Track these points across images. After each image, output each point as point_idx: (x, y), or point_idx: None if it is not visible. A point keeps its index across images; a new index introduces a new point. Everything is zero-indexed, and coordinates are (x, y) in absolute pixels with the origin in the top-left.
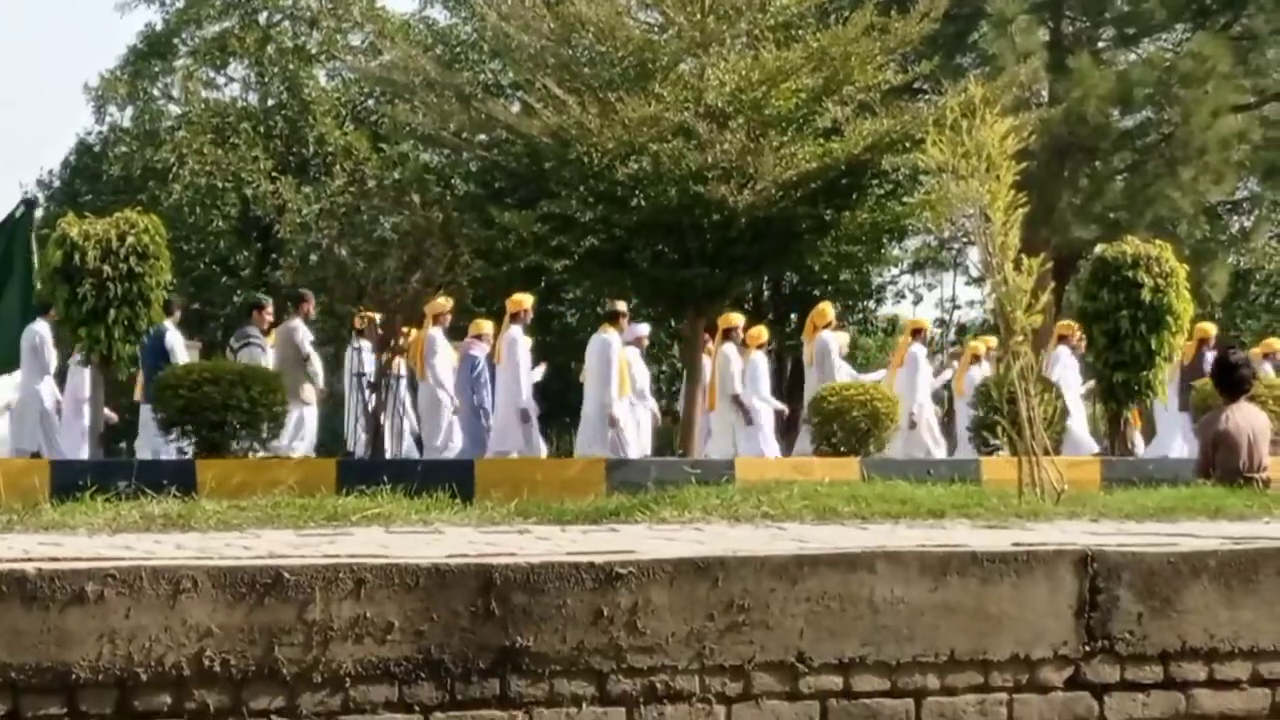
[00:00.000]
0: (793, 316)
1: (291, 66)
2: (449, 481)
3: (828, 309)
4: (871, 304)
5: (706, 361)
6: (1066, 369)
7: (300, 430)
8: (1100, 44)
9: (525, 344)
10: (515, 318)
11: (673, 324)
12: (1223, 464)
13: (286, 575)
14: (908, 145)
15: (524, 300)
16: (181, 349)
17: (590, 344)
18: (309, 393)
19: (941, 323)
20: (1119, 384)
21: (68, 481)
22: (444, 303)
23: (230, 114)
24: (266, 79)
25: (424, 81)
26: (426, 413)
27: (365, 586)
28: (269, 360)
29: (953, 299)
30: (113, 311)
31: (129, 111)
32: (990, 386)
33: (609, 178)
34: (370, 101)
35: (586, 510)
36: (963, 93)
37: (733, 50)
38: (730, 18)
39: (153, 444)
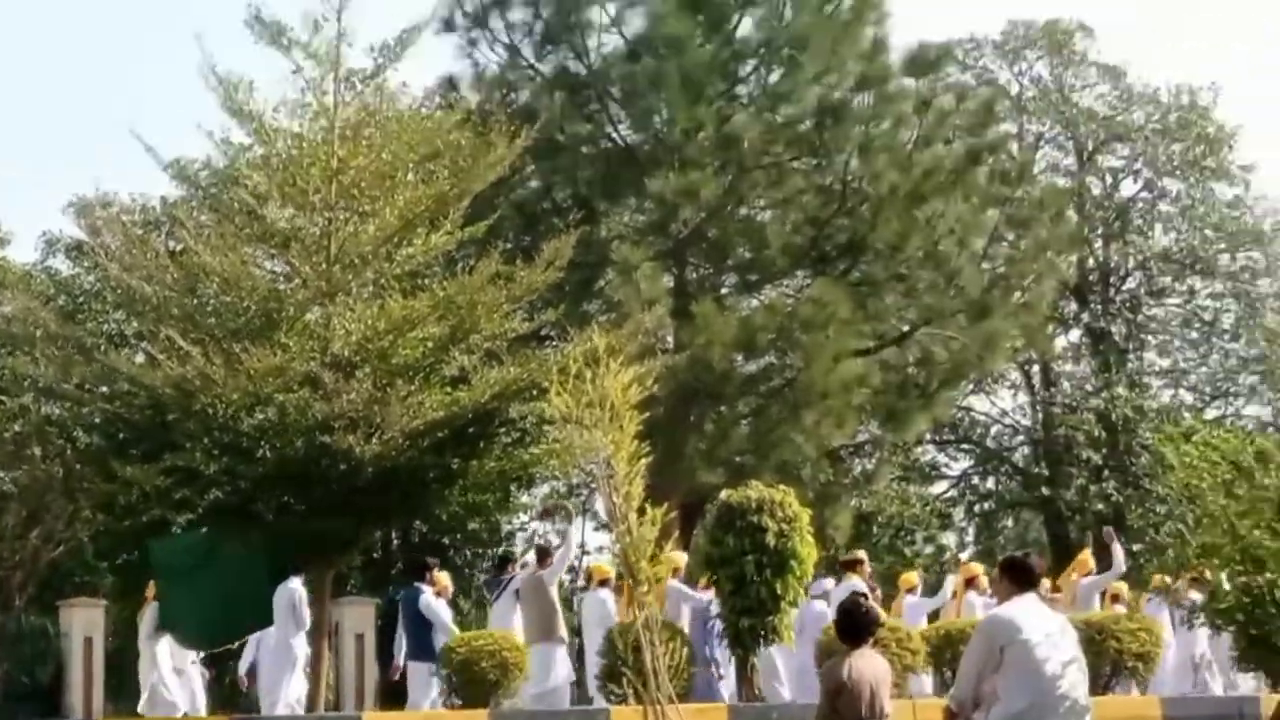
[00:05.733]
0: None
1: None
2: None
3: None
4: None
5: None
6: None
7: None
8: (724, 290)
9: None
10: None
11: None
12: (845, 711)
13: None
14: (535, 393)
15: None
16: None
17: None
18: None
19: (572, 569)
20: (745, 629)
21: None
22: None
23: None
24: None
25: (45, 334)
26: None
27: None
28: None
29: (582, 545)
30: None
31: None
32: (615, 635)
33: (234, 429)
34: None
35: None
36: (588, 341)
37: (359, 299)
38: (356, 267)
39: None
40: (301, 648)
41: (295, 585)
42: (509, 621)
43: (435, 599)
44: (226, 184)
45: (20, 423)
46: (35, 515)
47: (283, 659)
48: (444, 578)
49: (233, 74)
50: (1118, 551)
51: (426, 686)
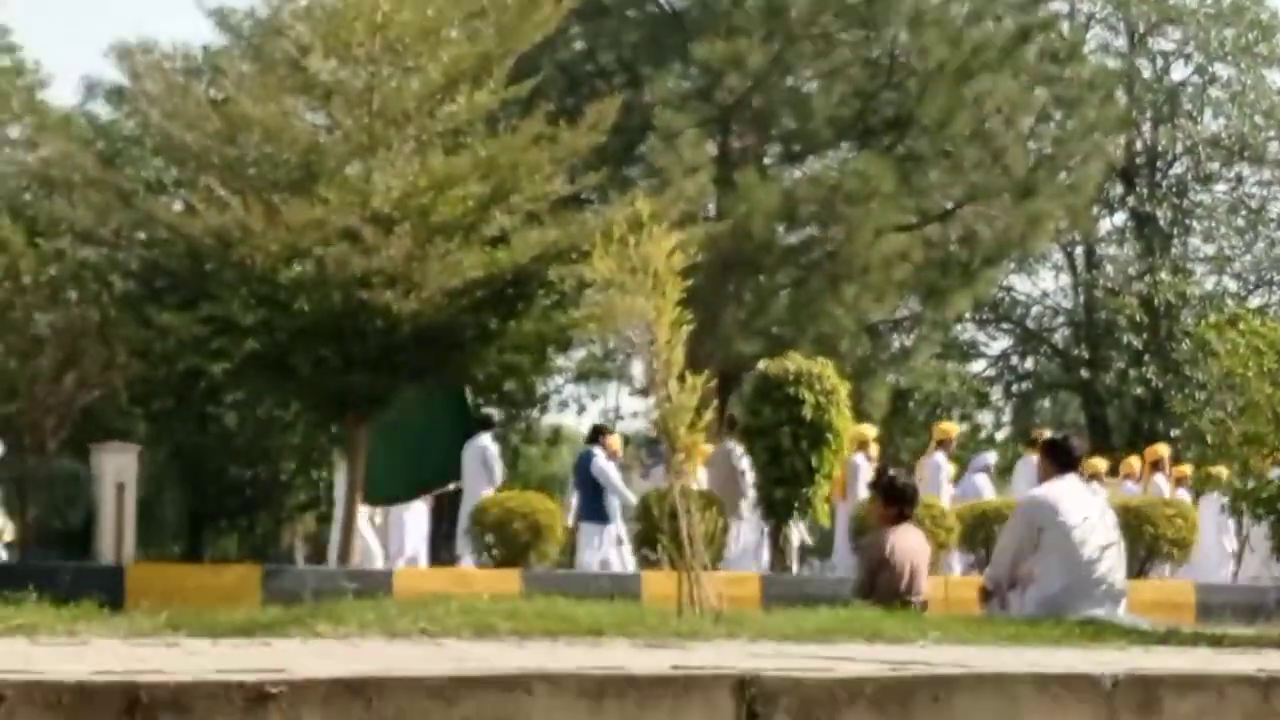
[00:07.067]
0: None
1: None
2: (98, 589)
3: None
4: (535, 413)
5: None
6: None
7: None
8: (767, 160)
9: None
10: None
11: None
12: (884, 587)
13: None
14: (574, 256)
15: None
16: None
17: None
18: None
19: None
20: (779, 500)
21: None
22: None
23: None
24: None
25: (83, 178)
26: None
27: (4, 704)
28: None
29: (616, 409)
30: None
31: None
32: (651, 500)
33: (272, 281)
34: (27, 195)
35: (240, 623)
36: (630, 204)
37: (400, 155)
38: (398, 123)
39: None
40: None
41: (486, 441)
42: None
43: (607, 461)
44: (269, 34)
45: (56, 267)
46: (70, 359)
47: None
48: (615, 440)
49: None
50: None
51: (595, 546)
